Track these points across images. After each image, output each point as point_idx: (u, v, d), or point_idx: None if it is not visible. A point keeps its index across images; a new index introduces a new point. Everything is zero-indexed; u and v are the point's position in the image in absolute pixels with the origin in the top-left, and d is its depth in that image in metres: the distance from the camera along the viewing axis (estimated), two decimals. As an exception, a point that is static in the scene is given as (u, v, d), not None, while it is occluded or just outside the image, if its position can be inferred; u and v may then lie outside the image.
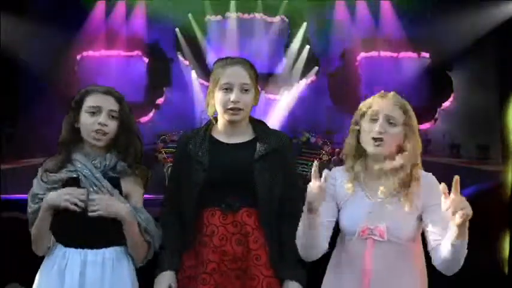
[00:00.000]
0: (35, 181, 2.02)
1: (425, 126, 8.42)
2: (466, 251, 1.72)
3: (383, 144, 1.87)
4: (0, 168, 5.38)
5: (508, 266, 4.31)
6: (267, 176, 2.05)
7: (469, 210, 1.63)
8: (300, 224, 1.86)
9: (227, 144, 2.11)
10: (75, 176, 1.98)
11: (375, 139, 1.87)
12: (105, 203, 1.95)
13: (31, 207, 1.99)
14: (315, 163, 1.82)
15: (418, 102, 7.96)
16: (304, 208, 1.80)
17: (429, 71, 8.43)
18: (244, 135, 2.13)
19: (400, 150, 1.90)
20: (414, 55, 8.49)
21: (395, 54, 8.48)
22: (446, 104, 8.50)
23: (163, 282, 2.04)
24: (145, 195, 2.13)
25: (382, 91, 1.97)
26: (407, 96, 1.98)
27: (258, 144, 2.08)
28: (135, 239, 2.01)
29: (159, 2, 8.24)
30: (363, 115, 1.94)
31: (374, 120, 1.89)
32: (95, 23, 8.19)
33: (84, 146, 2.03)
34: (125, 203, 2.01)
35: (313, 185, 1.76)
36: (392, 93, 1.95)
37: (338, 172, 2.01)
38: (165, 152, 6.43)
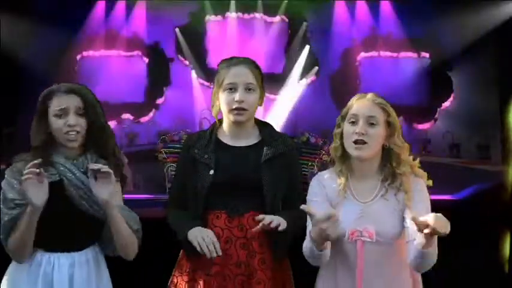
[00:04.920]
0: (5, 185, 1.94)
1: (425, 126, 8.40)
2: (435, 257, 1.75)
3: (365, 147, 1.87)
4: (0, 168, 5.37)
5: (508, 265, 4.31)
6: (274, 180, 2.04)
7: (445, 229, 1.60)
8: (307, 242, 1.85)
9: (233, 147, 2.10)
10: (58, 179, 1.94)
11: (355, 142, 1.88)
12: None
13: (8, 214, 1.90)
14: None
15: (418, 102, 8.04)
16: (310, 239, 1.79)
17: (429, 71, 8.40)
18: (250, 138, 2.12)
19: (384, 150, 1.91)
20: (414, 55, 8.46)
21: (395, 54, 8.45)
22: (446, 104, 8.47)
23: (200, 232, 1.97)
24: (145, 195, 2.12)
25: (361, 93, 1.98)
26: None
27: (265, 148, 2.07)
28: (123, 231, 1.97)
29: (159, 2, 8.23)
30: (343, 118, 1.94)
31: (354, 122, 1.89)
32: (95, 23, 8.16)
33: (61, 149, 1.99)
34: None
35: (323, 216, 1.70)
36: (371, 93, 1.95)
37: (326, 175, 2.02)
38: (165, 152, 6.40)
